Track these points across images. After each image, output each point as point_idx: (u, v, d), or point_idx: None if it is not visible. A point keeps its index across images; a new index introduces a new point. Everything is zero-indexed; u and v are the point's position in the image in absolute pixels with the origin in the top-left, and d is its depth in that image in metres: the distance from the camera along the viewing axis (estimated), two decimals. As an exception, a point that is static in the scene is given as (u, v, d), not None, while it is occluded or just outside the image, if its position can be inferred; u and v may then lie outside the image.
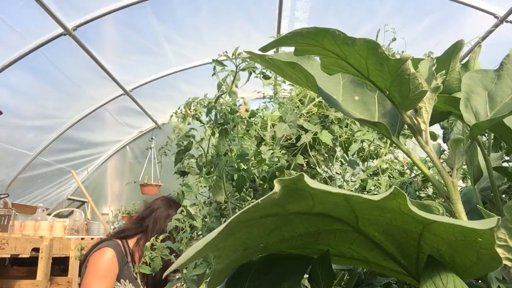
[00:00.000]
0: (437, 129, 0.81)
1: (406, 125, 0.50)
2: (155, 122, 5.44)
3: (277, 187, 0.34)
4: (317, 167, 1.01)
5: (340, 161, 1.08)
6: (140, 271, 1.05)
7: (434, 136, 0.98)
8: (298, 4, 3.56)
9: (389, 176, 1.03)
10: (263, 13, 3.80)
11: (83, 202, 5.38)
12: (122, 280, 1.68)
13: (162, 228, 1.80)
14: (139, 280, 1.16)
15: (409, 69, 0.44)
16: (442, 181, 0.48)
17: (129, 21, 3.62)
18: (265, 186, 0.94)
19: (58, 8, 3.05)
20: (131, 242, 1.79)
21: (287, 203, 0.38)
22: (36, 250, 2.96)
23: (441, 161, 0.55)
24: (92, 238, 3.71)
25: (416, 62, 0.47)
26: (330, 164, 1.06)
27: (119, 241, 1.77)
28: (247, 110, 1.12)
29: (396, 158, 1.14)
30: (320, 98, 0.89)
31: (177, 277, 0.96)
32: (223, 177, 0.89)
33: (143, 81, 4.49)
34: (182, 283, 0.89)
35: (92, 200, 4.62)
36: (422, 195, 1.01)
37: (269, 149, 0.95)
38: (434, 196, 0.99)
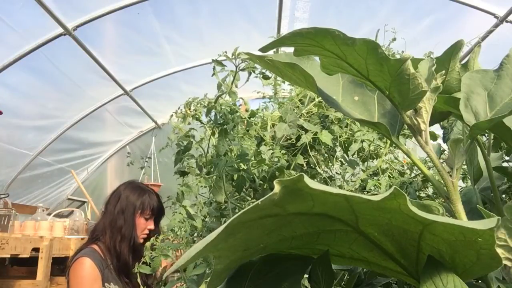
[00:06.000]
0: (437, 129, 0.81)
1: (406, 125, 0.50)
2: (155, 122, 5.44)
3: (277, 187, 0.34)
4: (317, 167, 1.01)
5: (340, 161, 1.08)
6: (141, 271, 1.05)
7: (434, 136, 0.98)
8: (298, 4, 3.56)
9: (389, 176, 1.03)
10: (263, 13, 3.80)
11: (83, 202, 5.37)
12: (106, 284, 1.67)
13: (122, 208, 1.79)
14: (139, 280, 1.15)
15: (409, 69, 0.44)
16: (442, 181, 0.48)
17: (129, 21, 3.62)
18: (265, 186, 0.94)
19: (58, 8, 3.04)
20: (106, 240, 1.76)
21: (287, 204, 0.38)
22: (36, 250, 2.96)
23: (441, 161, 0.55)
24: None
25: (416, 62, 0.47)
26: (330, 164, 1.06)
27: (94, 246, 1.74)
28: (247, 110, 1.12)
29: (396, 158, 1.14)
30: (320, 98, 0.89)
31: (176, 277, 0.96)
32: (223, 177, 0.89)
33: (143, 81, 4.49)
34: (182, 283, 0.89)
35: (92, 200, 4.62)
36: (422, 195, 1.01)
37: (269, 149, 0.95)
38: (434, 196, 0.99)
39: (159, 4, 3.44)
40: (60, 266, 3.39)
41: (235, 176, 0.89)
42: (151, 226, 1.84)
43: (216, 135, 0.95)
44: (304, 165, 1.00)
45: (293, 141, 0.96)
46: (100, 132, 5.16)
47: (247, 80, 0.95)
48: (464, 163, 0.52)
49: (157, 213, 1.88)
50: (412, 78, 0.45)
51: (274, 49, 0.49)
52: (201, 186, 1.02)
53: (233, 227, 0.37)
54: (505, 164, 0.75)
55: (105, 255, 1.72)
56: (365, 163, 1.07)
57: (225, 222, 0.92)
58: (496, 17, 3.18)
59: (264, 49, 0.46)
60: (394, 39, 1.09)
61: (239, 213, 0.35)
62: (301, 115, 1.01)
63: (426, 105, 0.48)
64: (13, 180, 4.26)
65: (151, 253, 1.01)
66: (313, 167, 1.02)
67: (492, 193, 0.62)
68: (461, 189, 0.74)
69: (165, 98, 4.89)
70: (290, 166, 0.95)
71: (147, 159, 5.01)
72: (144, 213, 1.82)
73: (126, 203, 1.81)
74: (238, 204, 0.93)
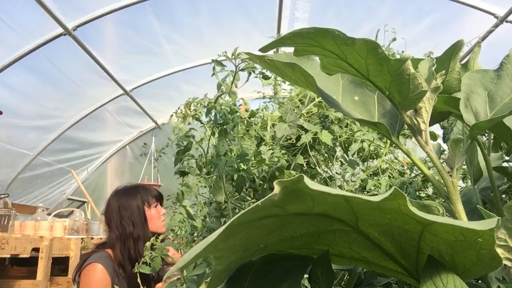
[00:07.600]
0: (437, 129, 0.81)
1: (406, 125, 0.50)
2: (155, 122, 5.44)
3: (276, 188, 0.34)
4: (317, 167, 1.01)
5: (340, 161, 1.08)
6: (140, 271, 1.05)
7: (434, 136, 0.98)
8: (298, 4, 3.56)
9: (389, 176, 1.03)
10: (263, 13, 3.80)
11: (83, 202, 5.38)
12: None
13: (120, 217, 1.77)
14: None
15: (409, 69, 0.44)
16: (442, 181, 0.48)
17: (129, 21, 3.62)
18: (265, 186, 0.94)
19: (58, 8, 3.05)
20: (117, 255, 1.71)
21: (287, 204, 0.38)
22: (36, 250, 2.96)
23: (441, 161, 0.55)
24: (92, 238, 3.71)
25: (416, 62, 0.46)
26: (330, 164, 1.06)
27: (109, 251, 1.70)
28: (247, 110, 1.12)
29: (396, 158, 1.14)
30: (320, 98, 0.89)
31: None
32: (223, 177, 0.89)
33: (143, 81, 4.49)
34: (182, 283, 0.89)
35: (92, 200, 4.62)
36: (422, 195, 1.01)
37: (269, 149, 0.95)
38: (434, 196, 0.99)
39: (159, 4, 3.44)
40: (60, 266, 3.39)
41: (235, 176, 0.89)
42: (163, 210, 1.83)
43: (216, 135, 0.95)
44: (304, 165, 1.00)
45: (293, 141, 0.96)
46: (100, 132, 5.16)
47: (247, 80, 0.95)
48: (464, 163, 0.52)
49: (160, 197, 1.88)
50: (412, 78, 0.45)
51: (274, 49, 0.49)
52: (201, 186, 1.02)
53: (233, 227, 0.36)
54: (505, 164, 0.75)
55: (117, 265, 1.70)
56: (365, 163, 1.07)
57: (225, 222, 0.92)
58: (496, 17, 3.18)
59: (264, 49, 0.46)
60: (394, 39, 1.09)
61: (240, 213, 0.35)
62: (301, 115, 1.01)
63: (426, 105, 0.48)
64: (13, 180, 4.26)
65: (151, 253, 1.01)
66: (313, 167, 1.02)
67: (492, 193, 0.62)
68: (461, 189, 0.74)
69: (165, 98, 4.89)
70: (290, 166, 0.95)
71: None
72: (150, 204, 1.82)
73: (127, 208, 1.79)
74: (238, 204, 0.93)
